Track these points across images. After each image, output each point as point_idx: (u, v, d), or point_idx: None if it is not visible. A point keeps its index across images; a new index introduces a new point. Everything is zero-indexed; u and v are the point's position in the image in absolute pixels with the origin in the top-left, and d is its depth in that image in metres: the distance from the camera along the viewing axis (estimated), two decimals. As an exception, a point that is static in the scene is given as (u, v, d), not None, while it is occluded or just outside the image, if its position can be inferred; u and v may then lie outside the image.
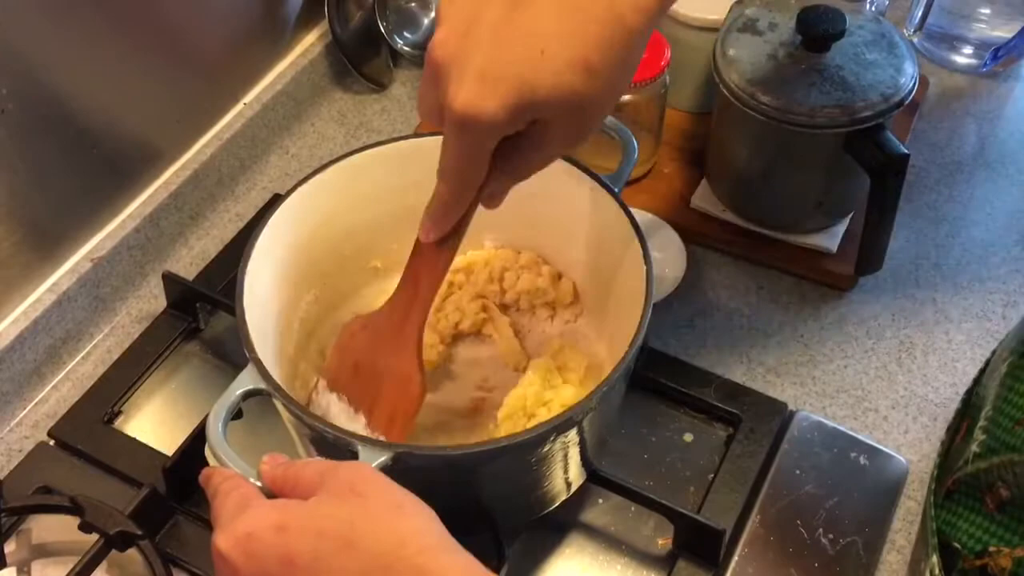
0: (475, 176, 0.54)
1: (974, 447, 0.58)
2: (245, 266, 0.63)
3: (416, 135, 0.71)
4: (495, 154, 0.52)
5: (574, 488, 0.67)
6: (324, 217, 0.70)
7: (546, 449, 0.58)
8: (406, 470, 0.54)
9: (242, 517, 0.47)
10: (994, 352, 0.64)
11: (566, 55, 0.48)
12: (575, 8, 0.48)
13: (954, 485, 0.59)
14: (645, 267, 0.62)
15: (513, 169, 0.55)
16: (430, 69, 0.51)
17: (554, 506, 0.66)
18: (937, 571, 0.58)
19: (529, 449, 0.57)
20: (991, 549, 0.56)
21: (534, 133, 0.51)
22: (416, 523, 0.46)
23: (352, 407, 0.63)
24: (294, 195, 0.67)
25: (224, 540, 0.46)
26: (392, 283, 0.76)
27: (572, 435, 0.59)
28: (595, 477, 0.68)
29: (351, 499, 0.47)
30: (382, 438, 0.61)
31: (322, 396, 0.64)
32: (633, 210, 0.65)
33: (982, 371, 0.65)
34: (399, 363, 0.62)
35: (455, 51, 0.49)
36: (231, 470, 0.53)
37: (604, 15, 0.48)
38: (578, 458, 0.63)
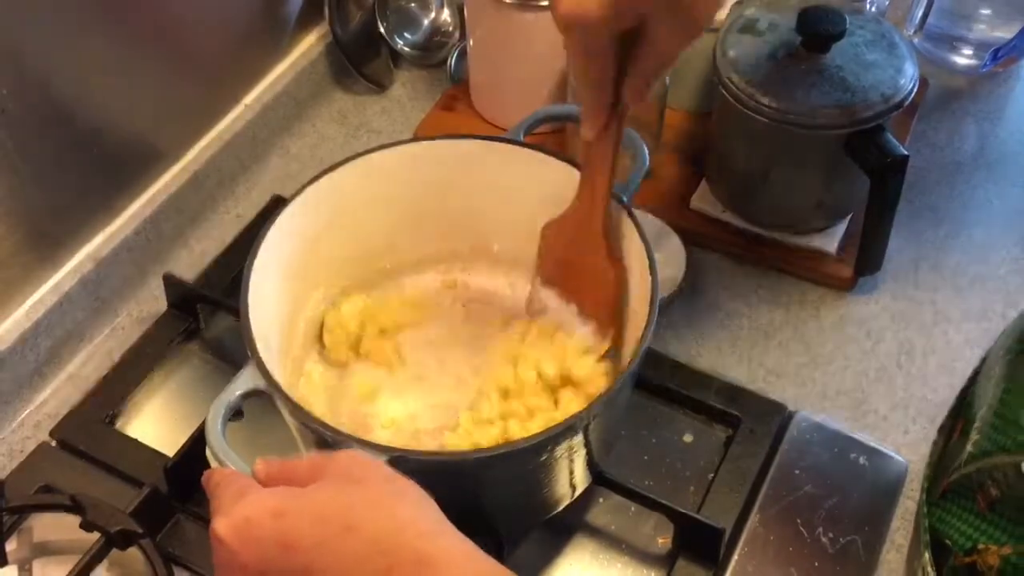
0: (600, 72, 0.57)
1: (969, 447, 0.58)
2: (251, 264, 0.63)
3: (422, 138, 0.71)
4: (621, 51, 0.55)
5: (579, 491, 0.67)
6: (332, 217, 0.70)
7: (547, 456, 0.58)
8: (403, 473, 0.53)
9: (240, 503, 0.47)
10: (989, 351, 0.64)
11: None
12: None
13: (949, 486, 0.59)
14: (651, 278, 0.62)
15: (639, 68, 0.57)
16: None
17: (558, 510, 0.66)
18: (929, 569, 0.58)
19: (528, 457, 0.57)
20: (980, 547, 0.56)
21: (647, 30, 0.54)
22: (415, 508, 0.47)
23: (564, 298, 0.70)
24: (303, 194, 0.67)
25: (222, 525, 0.46)
26: (401, 284, 0.76)
27: (578, 441, 0.59)
28: (596, 478, 0.68)
29: (349, 485, 0.47)
30: (593, 325, 0.68)
31: (541, 291, 0.71)
32: (633, 210, 0.66)
33: (977, 371, 0.65)
34: (593, 258, 0.67)
35: None
36: (231, 469, 0.53)
37: None
38: (584, 463, 0.63)
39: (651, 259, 0.63)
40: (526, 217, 0.70)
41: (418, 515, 0.47)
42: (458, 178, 0.72)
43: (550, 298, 0.71)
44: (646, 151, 0.70)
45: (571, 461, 0.61)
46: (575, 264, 0.68)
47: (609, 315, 0.67)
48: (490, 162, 0.71)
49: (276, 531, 0.46)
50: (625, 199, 0.66)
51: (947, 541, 0.58)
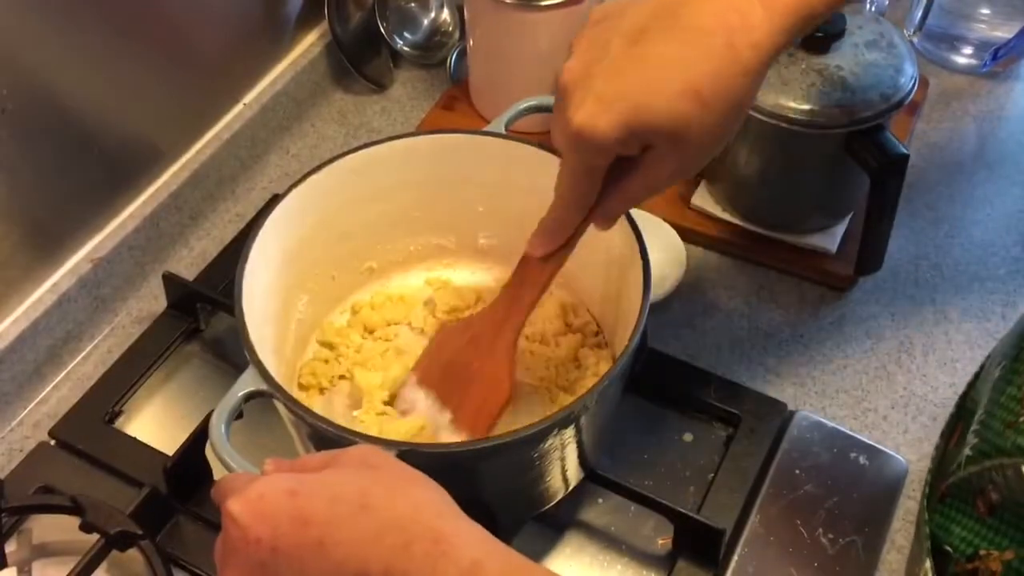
0: (587, 192, 0.57)
1: (967, 451, 0.58)
2: (243, 268, 0.63)
3: (405, 135, 0.71)
4: (609, 176, 0.55)
5: (572, 485, 0.67)
6: (320, 218, 0.70)
7: (539, 449, 0.58)
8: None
9: (254, 483, 0.47)
10: (988, 356, 0.64)
11: (679, 85, 0.50)
12: (694, 42, 0.50)
13: (947, 489, 0.59)
14: (643, 270, 0.62)
15: (623, 192, 0.57)
16: (558, 93, 0.54)
17: (553, 503, 0.66)
18: None
19: (530, 444, 0.57)
20: (981, 553, 0.56)
21: (645, 159, 0.54)
22: (429, 493, 0.47)
23: (439, 403, 0.66)
24: (290, 196, 0.67)
25: (235, 503, 0.46)
26: (387, 285, 0.77)
27: (569, 433, 0.59)
28: (595, 477, 0.68)
29: (364, 470, 0.48)
30: (466, 436, 0.63)
31: (410, 391, 0.67)
32: (632, 210, 0.66)
33: (977, 375, 0.65)
34: (492, 366, 0.64)
35: (579, 77, 0.52)
36: (240, 472, 0.53)
37: (720, 50, 0.50)
38: (575, 456, 0.63)
39: (643, 251, 0.63)
40: (511, 208, 0.70)
41: (433, 499, 0.47)
42: (443, 173, 0.72)
43: (420, 400, 0.67)
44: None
45: (563, 454, 0.61)
46: (468, 371, 0.65)
47: (484, 430, 0.64)
48: (474, 155, 0.71)
49: (290, 507, 0.45)
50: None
51: (947, 547, 0.58)
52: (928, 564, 0.58)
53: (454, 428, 0.64)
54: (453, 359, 0.67)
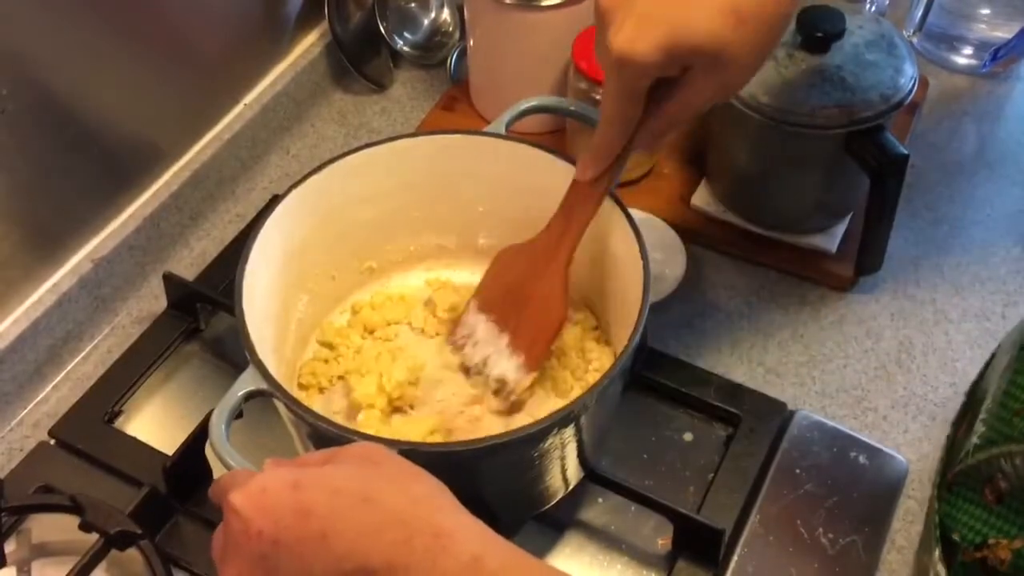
0: (631, 114, 0.58)
1: (975, 439, 0.58)
2: (243, 268, 0.63)
3: (405, 135, 0.71)
4: (650, 98, 0.56)
5: (572, 485, 0.67)
6: (319, 218, 0.70)
7: (539, 448, 0.58)
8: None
9: (257, 477, 0.47)
10: (999, 346, 0.64)
11: (718, 4, 0.51)
12: None
13: (954, 478, 0.59)
14: (643, 268, 0.62)
15: (666, 114, 0.58)
16: (597, 16, 0.54)
17: (553, 502, 0.66)
18: (939, 566, 0.58)
19: (530, 444, 0.57)
20: (990, 541, 0.56)
21: (685, 80, 0.55)
22: (430, 488, 0.48)
23: (498, 327, 0.68)
24: (290, 196, 0.67)
25: (238, 496, 0.46)
26: (387, 285, 0.77)
27: (569, 432, 0.59)
28: (595, 476, 0.68)
29: (366, 465, 0.48)
30: (522, 359, 0.66)
31: (471, 316, 0.69)
32: (633, 210, 0.66)
33: (987, 365, 0.65)
34: (546, 288, 0.66)
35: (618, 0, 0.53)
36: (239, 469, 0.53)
37: None
38: (575, 455, 0.63)
39: (643, 251, 0.63)
40: (512, 208, 0.70)
41: (435, 493, 0.47)
42: (443, 173, 0.72)
43: (480, 324, 0.69)
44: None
45: (563, 454, 0.61)
46: (524, 293, 0.67)
47: (541, 352, 0.66)
48: (474, 155, 0.71)
49: (293, 499, 0.45)
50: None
51: (954, 536, 0.58)
52: (937, 553, 0.58)
53: (511, 351, 0.66)
54: (510, 283, 0.68)
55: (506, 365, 0.67)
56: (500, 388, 0.67)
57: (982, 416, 0.59)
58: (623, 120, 0.58)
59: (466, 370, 0.69)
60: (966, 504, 0.59)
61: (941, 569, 0.58)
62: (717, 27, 0.51)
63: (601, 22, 0.54)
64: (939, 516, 0.60)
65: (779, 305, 0.83)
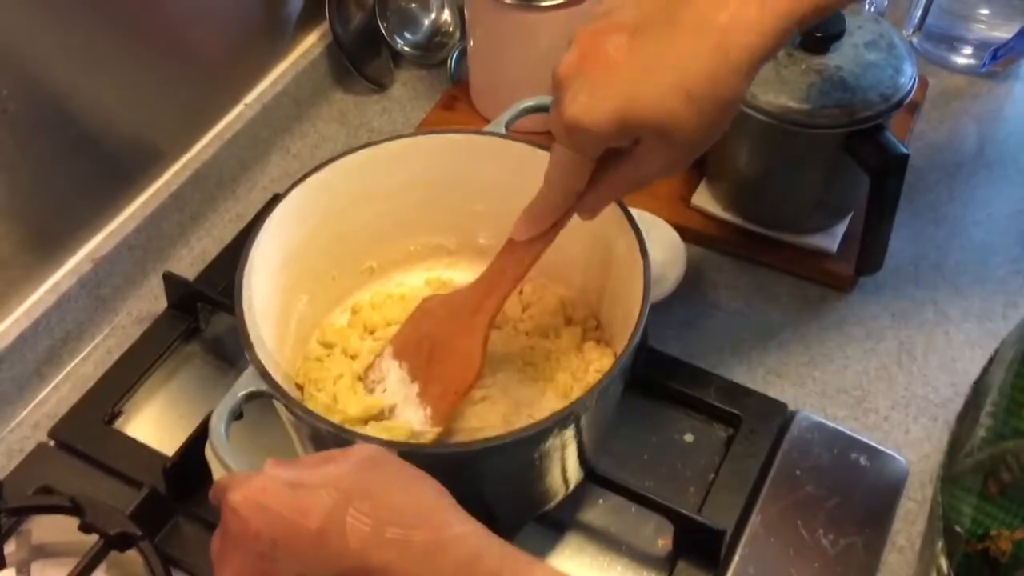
0: (576, 181, 0.58)
1: (980, 432, 0.58)
2: (243, 268, 0.63)
3: (404, 135, 0.71)
4: (598, 167, 0.57)
5: (572, 486, 0.67)
6: (319, 218, 0.70)
7: (539, 449, 0.58)
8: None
9: (256, 477, 0.47)
10: (1003, 341, 0.64)
11: (670, 82, 0.51)
12: (687, 42, 0.52)
13: (959, 471, 0.60)
14: (643, 268, 0.62)
15: (610, 184, 0.58)
16: (553, 84, 0.55)
17: (553, 503, 0.66)
18: (942, 558, 0.58)
19: (530, 444, 0.57)
20: (992, 533, 0.57)
21: (635, 152, 0.55)
22: (429, 488, 0.48)
23: (410, 376, 0.67)
24: (290, 196, 0.67)
25: (237, 495, 0.46)
26: (387, 284, 0.77)
27: (569, 432, 0.59)
28: (595, 477, 0.68)
29: (365, 466, 0.48)
30: (430, 411, 0.64)
31: (385, 361, 0.68)
32: (633, 210, 0.66)
33: (991, 360, 0.65)
34: (465, 343, 0.65)
35: (575, 71, 0.54)
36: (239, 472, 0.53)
37: (711, 51, 0.51)
38: (575, 456, 0.63)
39: (643, 251, 0.63)
40: (512, 208, 0.69)
41: (433, 493, 0.48)
42: (443, 173, 0.72)
43: (393, 370, 0.68)
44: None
45: (563, 454, 0.61)
46: (441, 345, 0.66)
47: (449, 407, 0.65)
48: (474, 155, 0.71)
49: (291, 498, 0.46)
50: None
51: (957, 528, 0.58)
52: (940, 544, 0.59)
53: (420, 401, 0.65)
54: (429, 332, 0.67)
55: (412, 416, 0.65)
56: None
57: (988, 410, 0.59)
58: (567, 187, 0.58)
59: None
60: (969, 496, 0.59)
61: (943, 561, 0.59)
62: (668, 105, 0.51)
63: (556, 90, 0.54)
64: (942, 509, 0.60)
65: (779, 305, 0.83)
